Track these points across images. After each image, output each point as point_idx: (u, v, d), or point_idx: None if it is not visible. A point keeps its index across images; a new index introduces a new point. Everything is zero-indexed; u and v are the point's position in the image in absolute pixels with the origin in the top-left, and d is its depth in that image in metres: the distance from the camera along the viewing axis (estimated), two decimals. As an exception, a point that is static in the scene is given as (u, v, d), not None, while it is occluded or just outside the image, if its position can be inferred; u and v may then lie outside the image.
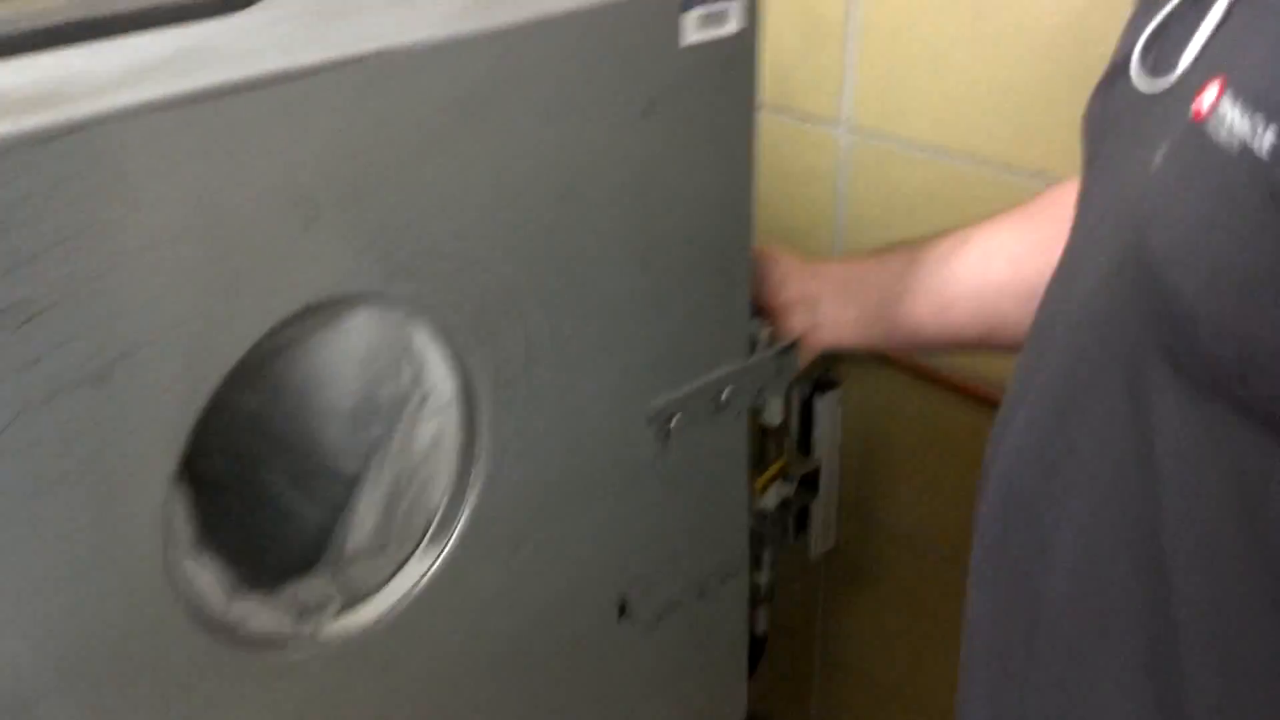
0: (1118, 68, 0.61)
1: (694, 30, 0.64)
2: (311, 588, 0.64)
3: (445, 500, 0.67)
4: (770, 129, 1.18)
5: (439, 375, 0.65)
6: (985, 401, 1.09)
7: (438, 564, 0.67)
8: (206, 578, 0.59)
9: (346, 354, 0.66)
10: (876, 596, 1.33)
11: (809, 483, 1.21)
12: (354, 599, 0.66)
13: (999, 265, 0.81)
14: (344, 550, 0.67)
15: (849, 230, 1.17)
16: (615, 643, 0.79)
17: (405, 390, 0.67)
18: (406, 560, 0.67)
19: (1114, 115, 0.61)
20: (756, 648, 1.31)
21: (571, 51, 0.60)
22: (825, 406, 1.21)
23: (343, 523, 0.67)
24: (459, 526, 0.67)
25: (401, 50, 0.54)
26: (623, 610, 0.79)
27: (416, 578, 0.67)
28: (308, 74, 0.51)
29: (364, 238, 0.55)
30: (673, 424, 0.75)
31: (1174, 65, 0.54)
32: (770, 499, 1.16)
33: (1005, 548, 0.62)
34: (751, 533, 1.17)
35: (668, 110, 0.65)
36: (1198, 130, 0.48)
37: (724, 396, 0.77)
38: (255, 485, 0.77)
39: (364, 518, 0.67)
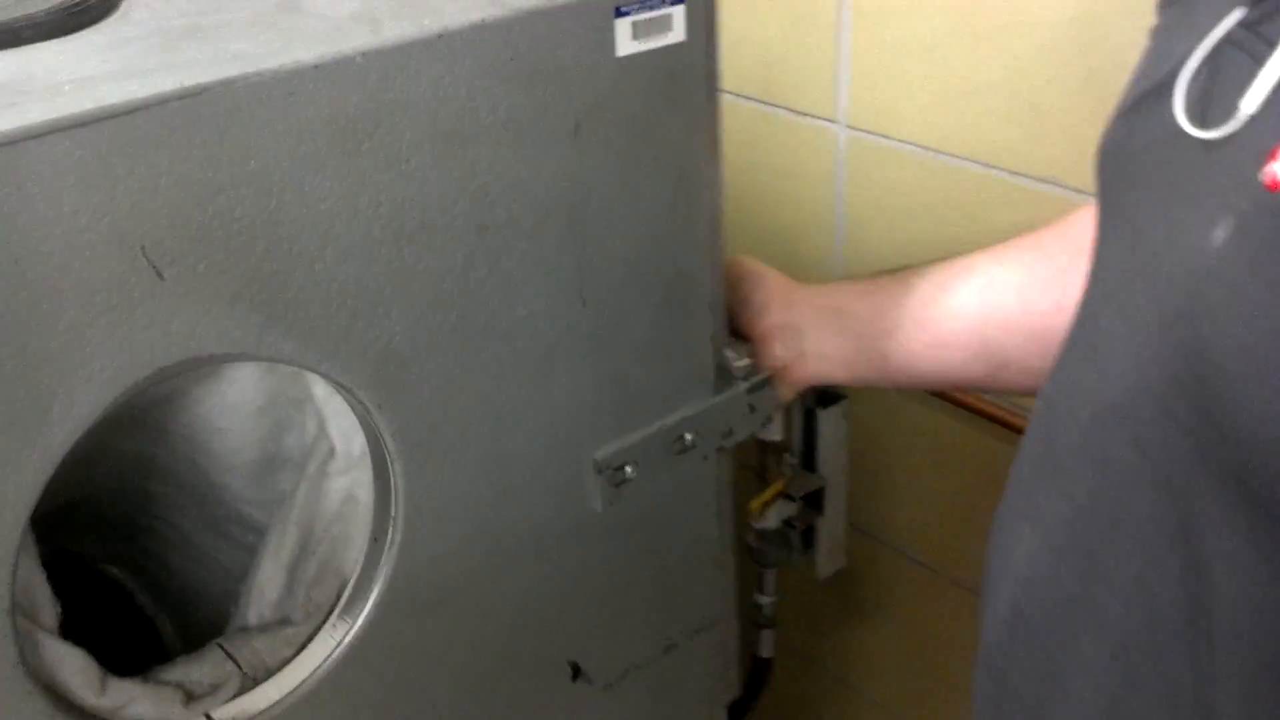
0: (1149, 94, 0.50)
1: (630, 39, 0.56)
2: (202, 667, 0.58)
3: (359, 564, 0.60)
4: (765, 124, 1.10)
5: (345, 428, 0.58)
6: (996, 420, 1.00)
7: (351, 633, 0.60)
8: (73, 663, 0.53)
9: (239, 404, 0.59)
10: (886, 618, 1.25)
11: (813, 500, 1.14)
12: (255, 677, 0.59)
13: (1005, 299, 0.70)
14: (243, 624, 0.60)
15: (849, 228, 1.08)
16: (570, 706, 0.72)
17: (310, 442, 0.60)
18: (316, 631, 0.60)
19: (1144, 154, 0.50)
20: (762, 671, 1.24)
21: (485, 67, 0.52)
22: (829, 420, 1.12)
23: (243, 594, 0.60)
24: (374, 593, 0.60)
25: (267, 74, 0.46)
26: (577, 673, 0.72)
27: (327, 650, 0.60)
28: (147, 106, 0.44)
29: (229, 291, 0.48)
30: (626, 473, 0.67)
31: (1232, 108, 0.43)
32: (771, 519, 1.08)
33: (1011, 678, 0.53)
34: (753, 553, 1.11)
35: (603, 128, 0.57)
36: (1276, 204, 0.39)
37: (687, 439, 0.70)
38: (171, 528, 0.71)
39: (266, 585, 0.60)
